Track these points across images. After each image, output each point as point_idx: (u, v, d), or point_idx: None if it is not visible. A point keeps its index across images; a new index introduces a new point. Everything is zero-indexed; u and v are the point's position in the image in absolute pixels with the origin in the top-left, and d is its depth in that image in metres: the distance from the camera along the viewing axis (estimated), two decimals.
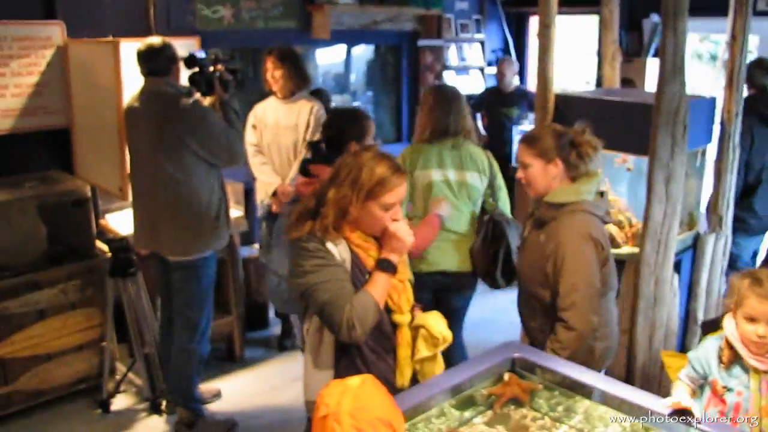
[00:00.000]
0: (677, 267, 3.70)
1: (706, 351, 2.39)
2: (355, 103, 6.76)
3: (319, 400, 1.82)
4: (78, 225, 4.24)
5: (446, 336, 2.43)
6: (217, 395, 4.28)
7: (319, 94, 5.42)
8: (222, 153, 3.56)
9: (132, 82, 3.77)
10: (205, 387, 4.24)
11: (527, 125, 6.14)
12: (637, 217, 4.00)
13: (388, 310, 2.39)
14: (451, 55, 6.98)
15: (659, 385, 3.66)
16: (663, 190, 3.43)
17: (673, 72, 3.31)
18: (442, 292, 3.66)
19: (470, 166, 3.62)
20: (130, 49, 3.76)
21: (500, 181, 3.77)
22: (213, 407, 4.17)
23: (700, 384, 2.39)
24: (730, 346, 2.35)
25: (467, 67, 7.10)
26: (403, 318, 2.41)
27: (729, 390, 2.32)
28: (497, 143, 6.27)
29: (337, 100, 5.99)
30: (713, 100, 3.89)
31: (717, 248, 3.97)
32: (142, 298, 4.07)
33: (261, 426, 4.01)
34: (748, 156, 4.75)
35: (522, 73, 7.50)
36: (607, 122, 3.73)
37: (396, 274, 2.34)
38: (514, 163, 5.97)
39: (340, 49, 6.53)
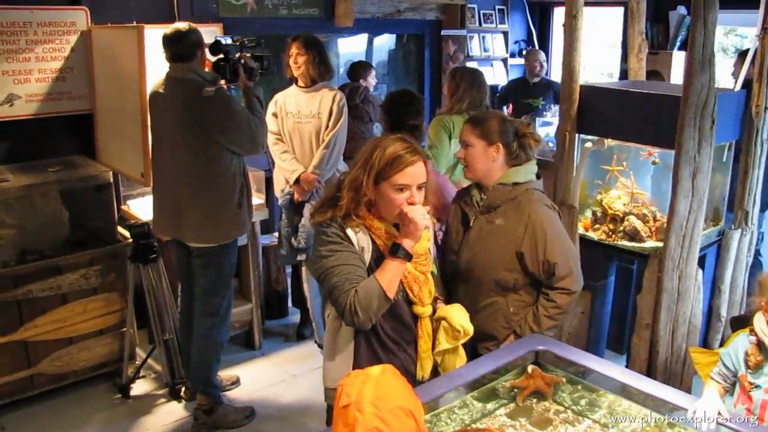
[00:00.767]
0: (701, 262, 3.66)
1: (737, 347, 2.36)
2: (375, 93, 6.73)
3: (340, 389, 1.82)
4: (100, 210, 4.26)
5: (467, 329, 2.42)
6: (236, 382, 4.29)
7: (364, 68, 5.44)
8: (245, 141, 3.55)
9: (155, 69, 3.77)
10: (224, 374, 4.25)
11: (550, 116, 6.08)
12: (662, 212, 3.96)
13: (409, 302, 2.37)
14: (474, 45, 6.94)
15: (681, 381, 3.63)
16: (689, 184, 3.39)
17: (702, 64, 3.26)
18: None
19: None
20: (153, 35, 3.76)
21: None
22: (231, 394, 4.18)
23: (732, 381, 2.36)
24: (759, 344, 2.32)
25: (490, 57, 7.05)
26: (423, 310, 2.39)
27: (757, 387, 2.29)
28: None
29: None
30: (742, 93, 3.83)
31: (742, 244, 3.93)
32: (163, 284, 4.08)
33: (279, 414, 4.02)
34: None
35: (546, 65, 7.43)
36: (633, 115, 3.71)
37: (410, 260, 2.28)
38: None
39: (363, 38, 6.50)
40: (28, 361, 3.94)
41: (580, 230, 4.05)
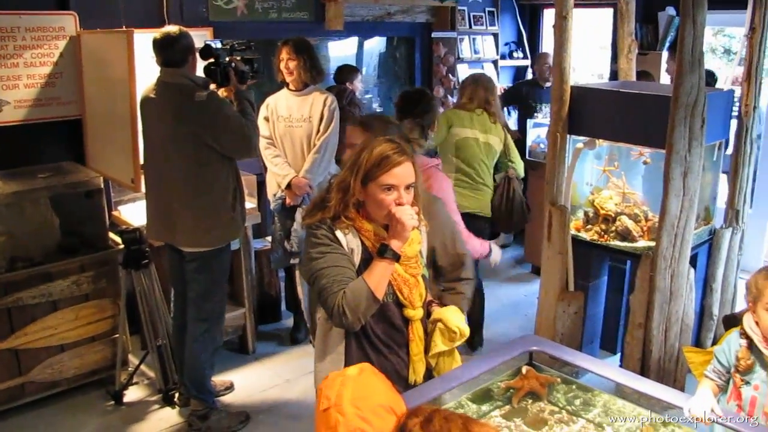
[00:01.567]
0: (693, 261, 3.67)
1: (730, 344, 2.38)
2: (367, 96, 6.74)
3: (319, 392, 1.81)
4: (91, 216, 4.23)
5: (463, 330, 2.40)
6: (230, 388, 4.28)
7: (350, 72, 5.46)
8: (237, 145, 3.54)
9: (145, 73, 3.75)
10: (218, 379, 4.24)
11: (542, 118, 6.09)
12: (653, 211, 3.97)
13: (400, 305, 2.36)
14: (465, 48, 6.95)
15: (675, 380, 3.64)
16: (680, 183, 3.40)
17: (691, 64, 3.27)
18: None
19: (492, 131, 4.55)
20: (143, 39, 3.75)
21: (513, 148, 4.69)
22: (226, 400, 4.16)
23: (727, 378, 2.37)
24: (750, 345, 2.33)
25: (480, 59, 7.06)
26: (414, 313, 2.37)
27: (747, 384, 2.31)
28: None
29: None
30: (731, 93, 3.86)
31: (733, 243, 3.94)
32: (155, 290, 4.06)
33: (273, 419, 4.00)
34: None
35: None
36: (623, 115, 3.72)
37: (398, 261, 2.26)
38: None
39: (353, 40, 6.50)
40: (18, 370, 3.91)
41: (572, 231, 4.07)
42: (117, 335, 4.18)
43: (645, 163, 4.01)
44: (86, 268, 4.06)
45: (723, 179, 4.09)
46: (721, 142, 3.91)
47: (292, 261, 4.50)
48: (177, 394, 4.09)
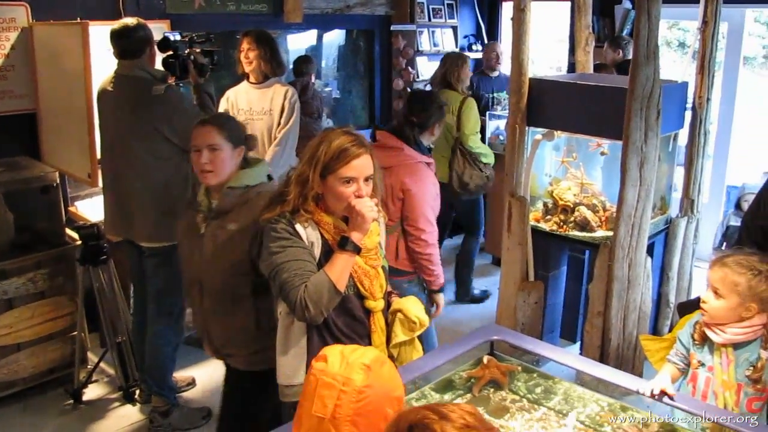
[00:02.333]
0: (650, 250, 3.74)
1: (690, 327, 2.44)
2: (327, 89, 6.72)
3: (311, 389, 1.65)
4: (46, 212, 4.15)
5: (423, 320, 2.43)
6: (191, 383, 4.24)
7: (309, 63, 5.45)
8: None
9: (101, 66, 3.69)
10: (179, 375, 4.19)
11: (500, 110, 6.14)
12: (611, 201, 4.04)
13: (361, 297, 2.37)
14: (424, 40, 6.96)
15: (633, 366, 3.71)
16: (637, 174, 3.46)
17: (646, 56, 3.33)
18: None
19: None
20: (98, 32, 3.68)
21: (466, 120, 5.00)
22: (187, 395, 4.13)
23: (688, 362, 2.43)
24: (701, 325, 2.41)
25: (440, 52, 7.07)
26: (375, 304, 2.39)
27: (702, 365, 2.37)
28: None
29: None
30: (685, 85, 3.93)
31: (688, 232, 4.03)
32: (114, 286, 4.01)
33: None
34: None
35: None
36: (581, 107, 3.77)
37: (359, 253, 2.28)
38: None
39: (312, 33, 6.47)
40: None
41: (532, 222, 4.11)
42: (75, 333, 4.11)
43: (603, 154, 4.07)
44: (42, 265, 3.98)
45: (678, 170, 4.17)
46: (676, 133, 3.99)
47: None
48: (138, 391, 4.04)
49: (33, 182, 4.07)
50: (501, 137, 6.00)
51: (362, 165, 2.27)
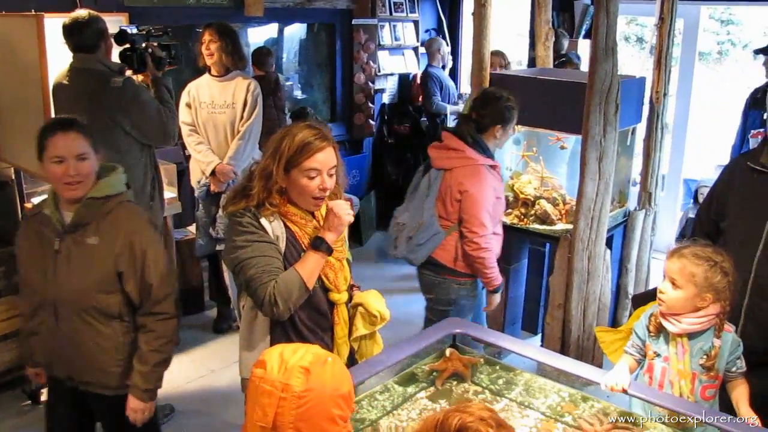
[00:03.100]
0: (609, 243, 3.80)
1: (645, 318, 2.48)
2: (288, 83, 6.67)
3: (254, 387, 1.63)
4: (2, 209, 4.07)
5: (384, 314, 2.45)
6: None
7: (270, 54, 5.59)
8: (155, 132, 3.47)
9: (57, 59, 3.62)
10: None
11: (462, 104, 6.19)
12: (571, 195, 4.09)
13: (325, 289, 2.38)
14: (385, 34, 6.96)
15: (593, 357, 3.77)
16: (596, 167, 3.51)
17: (605, 52, 3.37)
18: None
19: None
20: (54, 24, 3.60)
21: None
22: None
23: (644, 353, 2.48)
24: (656, 316, 2.45)
25: (401, 46, 7.09)
26: (339, 297, 2.41)
27: (658, 356, 2.42)
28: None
29: None
30: (643, 80, 4.00)
31: (646, 224, 4.10)
32: None
33: (199, 409, 3.95)
34: None
35: (456, 53, 7.54)
36: (541, 101, 3.81)
37: (331, 254, 2.31)
38: None
39: (273, 27, 6.43)
40: None
41: None
42: None
43: (562, 147, 4.12)
44: None
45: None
46: (635, 127, 4.06)
47: (218, 247, 4.45)
48: None
49: None
50: None
51: (325, 158, 2.27)
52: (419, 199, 3.44)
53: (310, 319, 2.37)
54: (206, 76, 4.37)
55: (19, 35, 3.90)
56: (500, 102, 3.39)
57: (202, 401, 4.03)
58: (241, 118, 4.28)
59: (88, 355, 2.50)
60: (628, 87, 3.68)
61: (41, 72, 3.68)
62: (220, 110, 4.29)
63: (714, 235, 2.79)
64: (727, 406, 2.43)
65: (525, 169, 4.34)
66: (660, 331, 2.43)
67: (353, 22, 6.60)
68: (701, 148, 7.98)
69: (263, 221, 2.28)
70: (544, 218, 4.08)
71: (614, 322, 4.12)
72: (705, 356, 2.35)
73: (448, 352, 2.54)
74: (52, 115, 3.65)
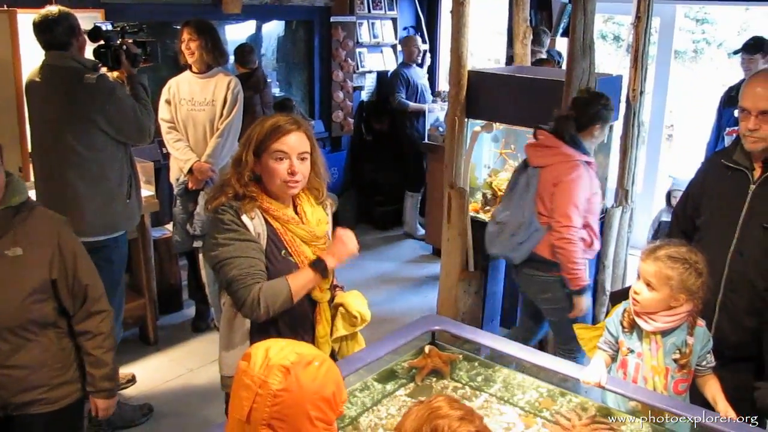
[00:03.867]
0: None
1: (619, 315, 2.50)
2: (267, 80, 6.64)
3: (238, 389, 1.57)
4: None
5: (365, 315, 2.45)
6: (132, 380, 4.16)
7: (253, 51, 5.52)
8: (131, 130, 3.44)
9: (31, 56, 3.58)
10: (119, 372, 4.11)
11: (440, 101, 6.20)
12: None
13: None
14: (364, 32, 6.96)
15: None
16: None
17: (582, 50, 3.40)
18: None
19: None
20: (28, 20, 3.56)
21: None
22: (127, 393, 4.05)
23: (617, 348, 2.50)
24: (630, 313, 2.48)
25: (380, 44, 7.09)
26: (321, 296, 2.40)
27: (632, 352, 2.44)
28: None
29: None
30: (619, 78, 4.03)
31: (623, 221, 4.13)
32: None
33: (178, 409, 3.93)
34: None
35: (434, 51, 7.55)
36: (519, 99, 3.83)
37: (325, 278, 2.31)
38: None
39: (251, 24, 6.40)
40: None
41: (471, 213, 4.16)
42: None
43: None
44: None
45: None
46: (611, 125, 4.08)
47: (195, 244, 4.42)
48: None
49: None
50: (440, 129, 6.06)
51: (295, 141, 2.27)
52: (518, 197, 3.47)
53: (291, 318, 2.36)
54: (187, 72, 4.34)
55: None
56: (601, 102, 3.45)
57: (181, 400, 4.01)
58: (221, 115, 4.25)
59: (23, 376, 2.33)
60: (604, 85, 3.71)
61: (14, 69, 3.65)
62: (200, 107, 4.27)
63: (690, 232, 2.82)
64: (699, 401, 2.46)
65: (503, 166, 4.36)
66: (633, 327, 2.45)
67: (331, 20, 6.59)
68: (678, 145, 8.07)
69: (245, 219, 2.26)
70: None
71: (593, 319, 4.15)
72: (678, 352, 2.38)
73: (427, 349, 2.55)
74: (25, 113, 3.61)
